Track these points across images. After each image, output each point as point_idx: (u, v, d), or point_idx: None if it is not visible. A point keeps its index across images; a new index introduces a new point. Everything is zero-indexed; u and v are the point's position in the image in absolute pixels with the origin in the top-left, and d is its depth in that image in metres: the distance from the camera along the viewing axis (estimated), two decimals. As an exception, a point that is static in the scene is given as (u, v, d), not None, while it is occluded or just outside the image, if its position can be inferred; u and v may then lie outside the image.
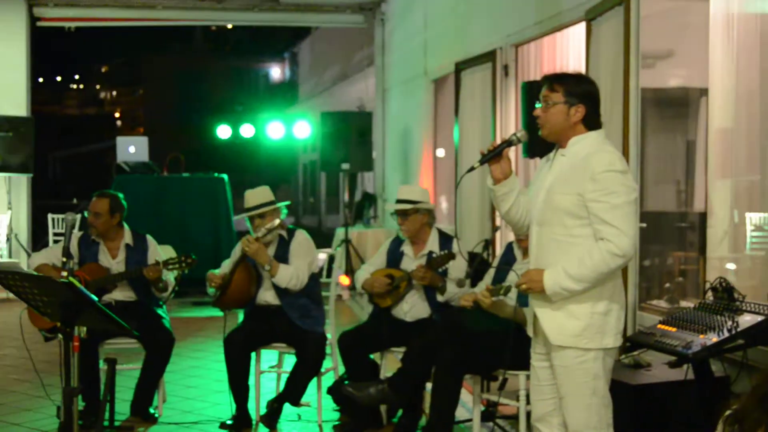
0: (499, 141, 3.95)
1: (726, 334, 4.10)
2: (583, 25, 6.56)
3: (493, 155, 3.87)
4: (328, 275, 6.37)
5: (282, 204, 5.93)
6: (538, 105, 3.85)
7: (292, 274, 5.70)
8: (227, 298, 5.85)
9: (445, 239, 5.83)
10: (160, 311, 6.06)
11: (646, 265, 7.72)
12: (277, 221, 5.76)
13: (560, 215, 3.76)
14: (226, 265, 6.03)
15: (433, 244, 5.80)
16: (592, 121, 3.80)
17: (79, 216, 4.37)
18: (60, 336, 3.94)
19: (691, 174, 7.79)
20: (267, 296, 5.87)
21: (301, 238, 5.89)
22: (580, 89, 3.79)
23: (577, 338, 3.74)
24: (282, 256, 5.78)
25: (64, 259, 3.99)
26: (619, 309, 3.82)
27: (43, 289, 3.75)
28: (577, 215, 3.72)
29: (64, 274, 3.92)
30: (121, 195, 6.13)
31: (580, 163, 3.73)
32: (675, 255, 7.59)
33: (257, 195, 5.90)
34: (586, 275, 3.66)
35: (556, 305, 3.77)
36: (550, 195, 3.80)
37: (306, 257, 5.81)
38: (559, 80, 3.82)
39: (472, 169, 3.93)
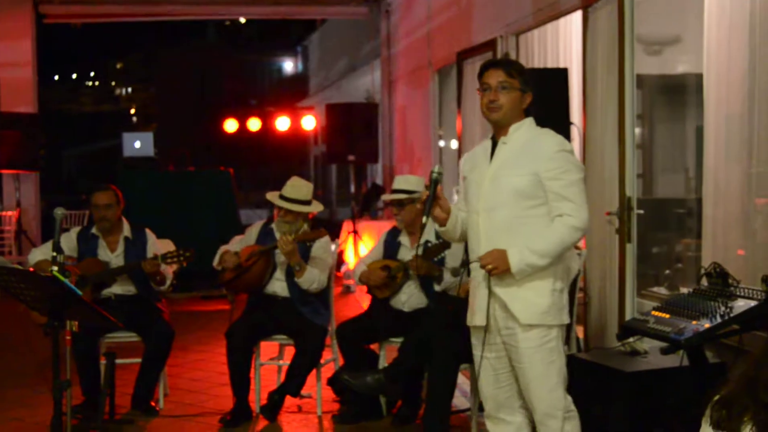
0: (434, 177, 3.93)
1: (719, 320, 4.08)
2: (580, 13, 6.52)
3: (433, 201, 3.92)
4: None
5: (311, 209, 5.87)
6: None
7: (315, 278, 5.74)
8: (241, 283, 5.89)
9: (442, 229, 5.81)
10: (160, 305, 6.08)
11: (655, 252, 7.68)
12: (306, 227, 5.81)
13: (513, 197, 3.87)
14: (237, 243, 6.05)
15: (429, 233, 5.78)
16: (529, 108, 4.01)
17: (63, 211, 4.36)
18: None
19: (701, 160, 7.74)
20: (276, 287, 5.90)
21: (324, 241, 5.90)
22: (528, 77, 4.01)
23: (544, 315, 3.89)
24: (303, 255, 5.77)
25: (54, 254, 4.02)
26: (566, 287, 4.05)
27: (30, 283, 3.77)
28: (531, 195, 3.86)
29: (54, 268, 3.94)
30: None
31: (527, 145, 3.90)
32: (683, 242, 7.57)
33: (296, 189, 5.85)
34: (550, 250, 3.82)
35: (521, 285, 3.87)
36: (498, 180, 3.91)
37: (329, 261, 5.88)
38: (516, 67, 4.01)
39: (424, 225, 3.95)
